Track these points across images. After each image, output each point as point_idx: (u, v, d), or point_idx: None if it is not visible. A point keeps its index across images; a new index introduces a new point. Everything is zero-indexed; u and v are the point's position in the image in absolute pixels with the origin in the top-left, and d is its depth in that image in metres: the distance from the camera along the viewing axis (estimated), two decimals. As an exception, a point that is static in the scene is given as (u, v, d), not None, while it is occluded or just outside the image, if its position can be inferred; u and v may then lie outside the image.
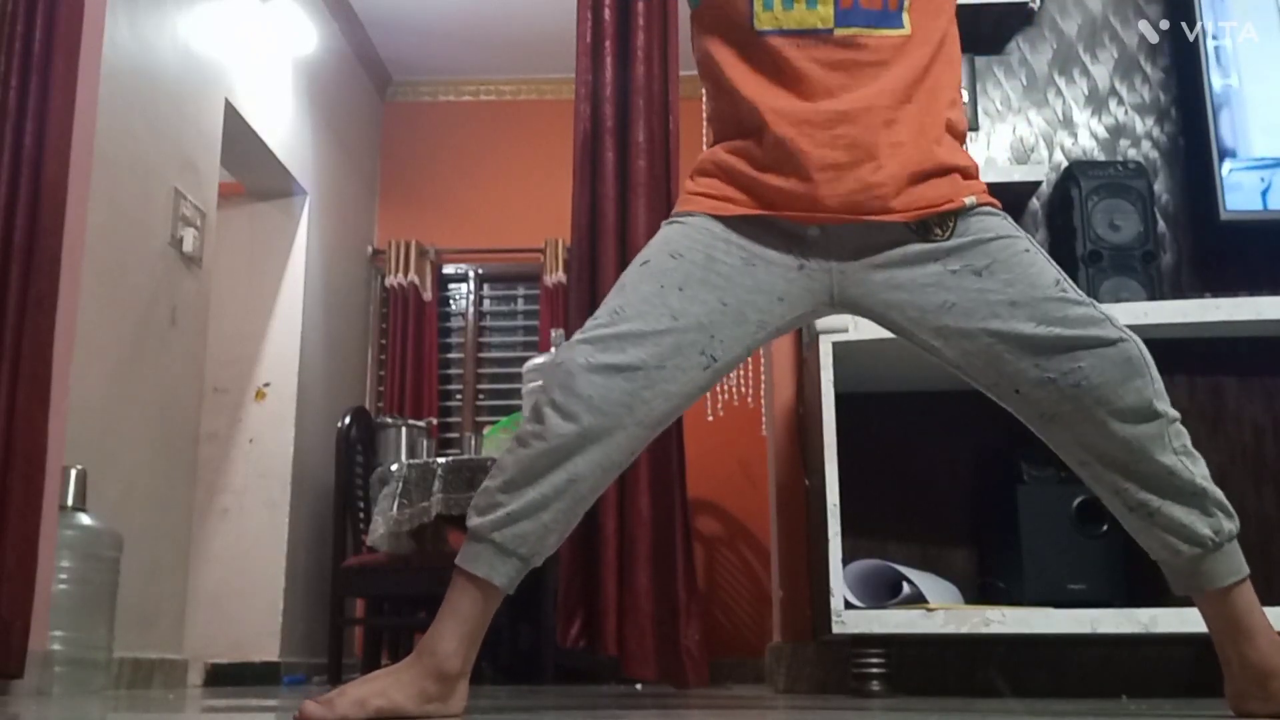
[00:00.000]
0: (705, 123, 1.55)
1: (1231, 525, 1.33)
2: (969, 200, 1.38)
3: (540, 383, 1.38)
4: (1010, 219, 1.42)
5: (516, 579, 1.35)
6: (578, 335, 1.36)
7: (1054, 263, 1.39)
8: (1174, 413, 1.34)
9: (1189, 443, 1.35)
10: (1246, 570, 1.34)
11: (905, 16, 1.38)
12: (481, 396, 5.51)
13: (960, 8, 2.71)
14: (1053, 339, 1.32)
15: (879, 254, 1.38)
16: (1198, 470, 1.33)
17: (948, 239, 1.36)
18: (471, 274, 5.61)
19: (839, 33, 1.37)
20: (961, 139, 1.45)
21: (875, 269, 1.38)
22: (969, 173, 1.41)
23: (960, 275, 1.35)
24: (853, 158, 1.34)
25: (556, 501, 1.32)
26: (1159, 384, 1.33)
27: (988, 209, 1.40)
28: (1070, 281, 1.37)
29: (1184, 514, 1.32)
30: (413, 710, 1.31)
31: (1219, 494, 1.34)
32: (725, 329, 1.36)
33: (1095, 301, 1.37)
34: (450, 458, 3.93)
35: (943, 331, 1.37)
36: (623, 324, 1.34)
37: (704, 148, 1.57)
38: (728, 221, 1.40)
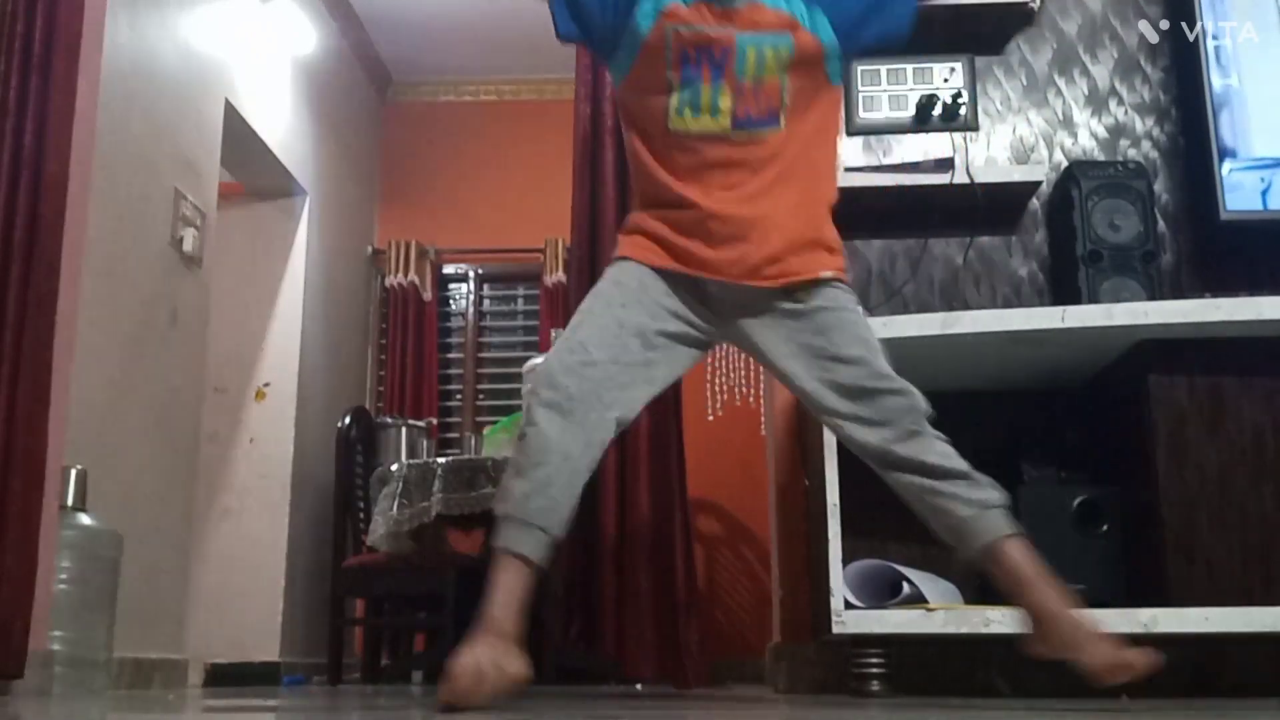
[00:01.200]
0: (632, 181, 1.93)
1: (996, 494, 1.72)
2: (824, 274, 1.81)
3: (530, 387, 1.76)
4: (851, 291, 1.84)
5: (542, 550, 1.65)
6: (551, 350, 1.76)
7: (870, 329, 1.82)
8: (937, 433, 1.75)
9: (950, 449, 1.75)
10: (1015, 530, 1.71)
11: (782, 118, 1.79)
12: (481, 396, 5.51)
13: (960, 8, 2.76)
14: (858, 388, 1.77)
15: (755, 309, 1.82)
16: (961, 463, 1.74)
17: (805, 303, 1.80)
18: (471, 274, 5.62)
19: (735, 135, 1.78)
20: (833, 206, 1.87)
21: (750, 318, 1.83)
22: (832, 247, 1.84)
23: (805, 334, 1.80)
24: (744, 234, 1.77)
25: (559, 478, 1.66)
26: (928, 414, 1.75)
27: (837, 283, 1.82)
28: (877, 346, 1.79)
29: (956, 488, 1.72)
30: (496, 673, 1.56)
31: (983, 476, 1.73)
32: (653, 338, 1.79)
33: (886, 365, 1.77)
34: (450, 458, 3.93)
35: (790, 371, 1.82)
36: (584, 332, 1.75)
37: None
38: (653, 268, 1.82)
